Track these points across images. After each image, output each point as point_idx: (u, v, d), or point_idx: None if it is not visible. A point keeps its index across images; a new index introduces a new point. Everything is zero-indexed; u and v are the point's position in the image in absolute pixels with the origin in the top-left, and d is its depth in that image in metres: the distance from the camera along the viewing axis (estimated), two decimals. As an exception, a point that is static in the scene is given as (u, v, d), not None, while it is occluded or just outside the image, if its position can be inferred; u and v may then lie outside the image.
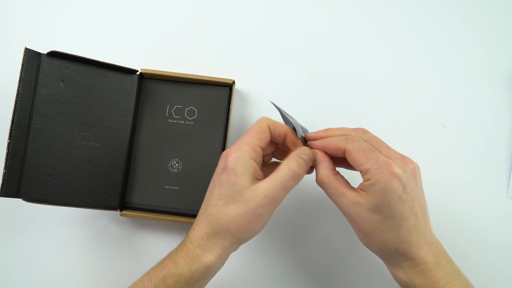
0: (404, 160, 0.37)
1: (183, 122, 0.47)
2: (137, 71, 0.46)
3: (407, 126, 0.50)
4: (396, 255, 0.36)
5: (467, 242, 0.48)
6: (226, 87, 0.47)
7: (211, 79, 0.46)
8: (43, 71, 0.41)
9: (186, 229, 0.48)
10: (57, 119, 0.42)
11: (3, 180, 0.39)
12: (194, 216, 0.45)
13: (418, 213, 0.35)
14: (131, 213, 0.45)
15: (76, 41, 0.51)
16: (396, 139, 0.50)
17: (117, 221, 0.48)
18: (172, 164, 0.46)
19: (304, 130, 0.41)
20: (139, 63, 0.48)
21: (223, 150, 0.46)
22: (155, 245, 0.48)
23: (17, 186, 0.40)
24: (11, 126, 0.40)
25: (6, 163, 0.39)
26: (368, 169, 0.35)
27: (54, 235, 0.48)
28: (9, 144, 0.39)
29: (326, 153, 0.38)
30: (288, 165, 0.36)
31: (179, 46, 0.51)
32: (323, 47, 0.51)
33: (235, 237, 0.35)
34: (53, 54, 0.42)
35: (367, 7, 0.52)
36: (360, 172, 0.36)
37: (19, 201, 0.41)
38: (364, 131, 0.39)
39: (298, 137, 0.39)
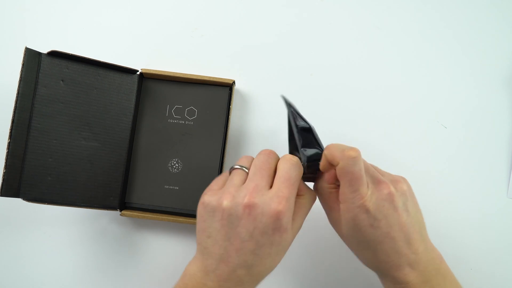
0: (394, 183, 0.35)
1: (183, 122, 0.47)
2: (137, 71, 0.46)
3: (407, 126, 0.50)
4: (378, 273, 0.37)
5: (467, 242, 0.48)
6: (226, 87, 0.47)
7: (211, 79, 0.46)
8: (43, 71, 0.41)
9: (186, 229, 0.48)
10: (57, 119, 0.42)
11: (3, 180, 0.39)
12: (194, 216, 0.45)
13: (395, 237, 0.34)
14: (131, 213, 0.45)
15: (76, 41, 0.51)
16: (396, 139, 0.50)
17: (117, 221, 0.48)
18: (172, 164, 0.46)
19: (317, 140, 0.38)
20: (139, 63, 0.48)
21: (223, 150, 0.46)
22: (155, 245, 0.48)
23: (17, 186, 0.40)
24: (11, 126, 0.39)
25: (6, 163, 0.39)
26: (343, 193, 0.34)
27: (54, 235, 0.48)
28: (9, 144, 0.39)
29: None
30: (312, 197, 0.37)
31: (179, 46, 0.51)
32: (323, 47, 0.52)
33: None
34: (54, 54, 0.42)
35: (367, 7, 0.52)
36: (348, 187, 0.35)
37: (19, 201, 0.41)
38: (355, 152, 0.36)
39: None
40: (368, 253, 0.35)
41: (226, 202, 0.33)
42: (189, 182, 0.46)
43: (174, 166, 0.46)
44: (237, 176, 0.35)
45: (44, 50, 0.41)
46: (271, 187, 0.34)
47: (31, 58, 0.40)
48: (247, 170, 0.35)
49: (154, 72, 0.46)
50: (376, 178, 0.35)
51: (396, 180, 0.36)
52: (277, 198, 0.32)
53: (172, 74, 0.46)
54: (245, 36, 0.52)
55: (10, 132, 0.39)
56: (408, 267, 0.34)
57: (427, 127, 0.50)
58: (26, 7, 0.52)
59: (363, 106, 0.50)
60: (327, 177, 0.37)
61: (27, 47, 0.40)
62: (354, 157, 0.33)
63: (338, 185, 0.36)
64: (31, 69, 0.41)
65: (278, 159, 0.36)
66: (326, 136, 0.50)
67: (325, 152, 0.35)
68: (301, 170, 0.35)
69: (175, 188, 0.46)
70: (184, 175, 0.46)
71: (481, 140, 0.50)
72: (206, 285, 0.33)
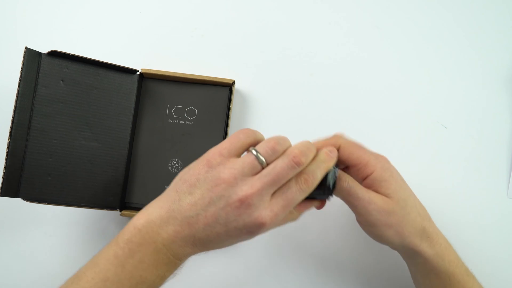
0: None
1: (183, 122, 0.47)
2: (137, 71, 0.46)
3: (407, 126, 0.50)
4: (424, 233, 0.38)
5: (467, 242, 0.48)
6: (226, 87, 0.47)
7: (211, 79, 0.46)
8: (43, 71, 0.41)
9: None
10: (57, 118, 0.42)
11: (3, 180, 0.39)
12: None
13: (416, 204, 0.38)
14: (131, 213, 0.45)
15: (76, 41, 0.51)
16: (396, 139, 0.50)
17: (117, 221, 0.48)
18: (172, 164, 0.46)
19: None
20: (139, 63, 0.47)
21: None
22: (155, 245, 0.48)
23: (17, 186, 0.40)
24: (11, 126, 0.39)
25: (6, 163, 0.39)
26: (367, 161, 0.37)
27: (54, 235, 0.48)
28: (9, 144, 0.39)
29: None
30: (294, 218, 0.37)
31: (179, 46, 0.51)
32: (323, 47, 0.52)
33: None
34: (54, 54, 0.42)
35: (367, 7, 0.52)
36: (356, 165, 0.37)
37: (19, 201, 0.41)
38: (341, 135, 0.39)
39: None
40: (416, 211, 0.38)
41: (226, 178, 0.31)
42: (189, 182, 0.46)
43: (174, 166, 0.46)
44: (251, 166, 0.32)
45: (44, 50, 0.41)
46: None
47: (31, 58, 0.40)
48: (264, 164, 0.32)
49: (154, 72, 0.46)
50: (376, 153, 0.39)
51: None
52: (270, 211, 0.31)
53: (172, 74, 0.46)
54: (245, 36, 0.52)
55: (10, 132, 0.39)
56: (426, 238, 0.37)
57: (427, 127, 0.50)
58: (26, 7, 0.52)
59: (363, 106, 0.50)
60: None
61: (27, 47, 0.40)
62: (338, 135, 0.38)
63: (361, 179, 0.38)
64: (31, 69, 0.41)
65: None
66: (326, 135, 0.50)
67: (317, 146, 0.37)
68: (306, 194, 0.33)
69: (175, 188, 0.46)
70: (184, 175, 0.46)
71: (481, 140, 0.50)
72: (160, 236, 0.31)
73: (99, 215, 0.48)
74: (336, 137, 0.38)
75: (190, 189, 0.32)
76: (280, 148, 0.32)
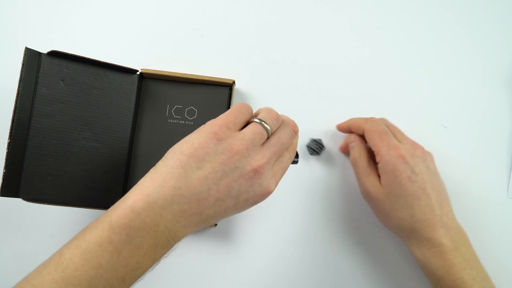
0: (414, 145, 0.41)
1: (183, 122, 0.47)
2: (137, 71, 0.46)
3: (407, 126, 0.50)
4: (413, 234, 0.39)
5: (467, 242, 0.48)
6: (226, 87, 0.47)
7: (211, 79, 0.46)
8: (43, 71, 0.41)
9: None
10: (57, 118, 0.42)
11: (3, 180, 0.39)
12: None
13: (430, 194, 0.38)
14: (131, 213, 0.45)
15: (76, 41, 0.51)
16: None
17: (117, 221, 0.48)
18: (172, 164, 0.46)
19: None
20: (139, 63, 0.47)
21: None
22: (155, 245, 0.48)
23: (17, 186, 0.40)
24: (11, 126, 0.39)
25: (6, 163, 0.39)
26: (379, 150, 0.40)
27: (54, 235, 0.48)
28: (9, 144, 0.39)
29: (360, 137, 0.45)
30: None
31: (179, 46, 0.51)
32: (323, 47, 0.52)
33: None
34: (53, 54, 0.41)
35: (367, 7, 0.52)
36: (373, 151, 0.41)
37: (19, 201, 0.41)
38: (384, 119, 0.45)
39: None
40: (406, 211, 0.38)
41: (239, 150, 0.31)
42: (189, 182, 0.46)
43: (174, 166, 0.46)
44: (260, 136, 0.32)
45: (44, 50, 0.41)
46: None
47: (31, 58, 0.40)
48: (270, 130, 0.33)
49: (154, 72, 0.46)
50: (412, 140, 0.42)
51: (421, 146, 0.42)
52: (275, 179, 0.33)
53: (172, 74, 0.46)
54: (245, 36, 0.52)
55: (10, 132, 0.39)
56: (442, 229, 0.37)
57: (428, 127, 0.50)
58: (26, 7, 0.52)
59: (363, 106, 0.50)
60: (363, 147, 0.44)
61: (27, 47, 0.40)
62: (376, 119, 0.43)
63: (371, 155, 0.43)
64: (31, 69, 0.41)
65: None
66: (326, 136, 0.50)
67: (349, 123, 0.46)
68: None
69: (175, 188, 0.46)
70: (184, 175, 0.46)
71: (481, 140, 0.50)
72: (163, 217, 0.29)
73: (99, 215, 0.48)
74: (363, 121, 0.44)
75: (199, 164, 0.30)
76: (279, 118, 0.34)
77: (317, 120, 0.50)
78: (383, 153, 0.39)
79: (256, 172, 0.31)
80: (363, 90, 0.51)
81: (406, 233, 0.39)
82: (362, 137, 0.45)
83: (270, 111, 0.34)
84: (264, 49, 0.51)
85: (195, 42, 0.51)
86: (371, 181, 0.41)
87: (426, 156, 0.41)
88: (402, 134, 0.43)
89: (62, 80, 0.42)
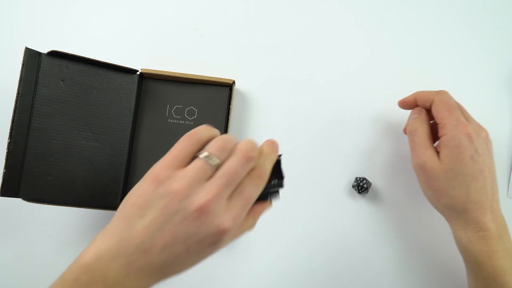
0: (479, 127, 0.41)
1: (183, 122, 0.47)
2: (137, 71, 0.46)
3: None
4: (463, 215, 0.38)
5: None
6: (226, 87, 0.47)
7: (211, 79, 0.46)
8: (43, 71, 0.41)
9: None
10: (57, 118, 0.42)
11: (3, 180, 0.39)
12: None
13: (487, 177, 0.38)
14: (131, 213, 0.45)
15: (76, 41, 0.51)
16: (396, 139, 0.50)
17: (117, 221, 0.48)
18: (172, 164, 0.46)
19: None
20: (139, 63, 0.47)
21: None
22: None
23: (17, 186, 0.40)
24: (11, 126, 0.39)
25: (6, 163, 0.39)
26: (446, 123, 0.38)
27: (54, 235, 0.48)
28: (9, 144, 0.39)
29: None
30: (251, 227, 0.34)
31: (179, 46, 0.51)
32: (323, 47, 0.52)
33: None
34: (53, 54, 0.42)
35: (367, 7, 0.52)
36: (438, 125, 0.39)
37: (19, 201, 0.41)
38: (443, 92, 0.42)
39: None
40: (462, 190, 0.37)
41: (179, 190, 0.28)
42: (189, 182, 0.46)
43: (174, 166, 0.46)
44: (202, 171, 0.30)
45: (44, 50, 0.41)
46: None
47: (31, 58, 0.40)
48: (216, 162, 0.30)
49: (154, 72, 0.46)
50: (477, 122, 0.41)
51: (486, 130, 0.41)
52: (230, 215, 0.29)
53: (172, 74, 0.46)
54: (245, 36, 0.52)
55: (10, 132, 0.39)
56: (491, 214, 0.37)
57: (427, 127, 0.50)
58: (26, 7, 0.52)
59: (363, 106, 0.50)
60: (425, 118, 0.42)
61: (27, 47, 0.40)
62: (447, 92, 0.41)
63: (433, 126, 0.42)
64: (31, 69, 0.41)
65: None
66: (326, 135, 0.50)
67: (416, 95, 0.43)
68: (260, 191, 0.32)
69: (175, 188, 0.46)
70: (184, 175, 0.46)
71: (481, 140, 0.50)
72: (110, 271, 0.28)
73: (99, 215, 0.48)
74: (434, 93, 0.41)
75: (140, 212, 0.29)
76: (229, 146, 0.31)
77: (317, 120, 0.50)
78: (450, 127, 0.38)
79: (202, 211, 0.28)
80: (363, 90, 0.51)
81: (456, 213, 0.39)
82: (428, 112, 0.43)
83: (219, 139, 0.31)
84: (264, 49, 0.51)
85: (195, 42, 0.51)
86: (429, 154, 0.39)
87: (488, 141, 0.40)
88: (469, 115, 0.42)
89: (62, 80, 0.42)
